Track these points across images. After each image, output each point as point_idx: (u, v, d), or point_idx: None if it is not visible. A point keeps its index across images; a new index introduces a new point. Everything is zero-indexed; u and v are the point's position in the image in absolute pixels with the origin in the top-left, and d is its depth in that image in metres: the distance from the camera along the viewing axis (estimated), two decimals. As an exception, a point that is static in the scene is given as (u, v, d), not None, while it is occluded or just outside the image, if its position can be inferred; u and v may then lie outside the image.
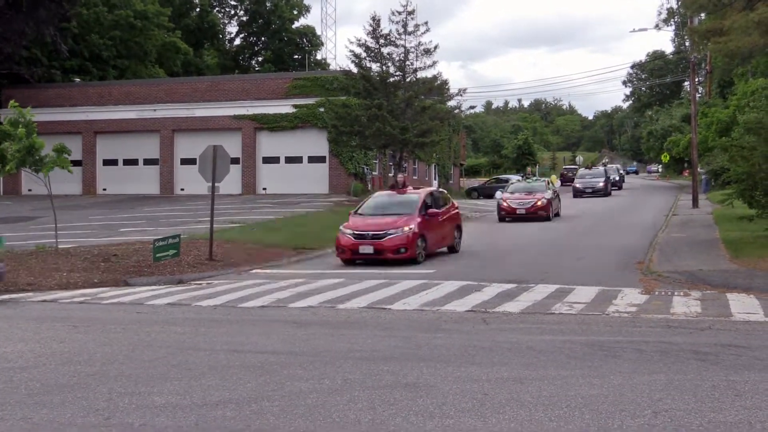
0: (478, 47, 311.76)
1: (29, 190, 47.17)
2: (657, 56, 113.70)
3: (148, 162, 49.75)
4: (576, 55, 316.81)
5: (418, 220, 21.24)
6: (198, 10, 78.66)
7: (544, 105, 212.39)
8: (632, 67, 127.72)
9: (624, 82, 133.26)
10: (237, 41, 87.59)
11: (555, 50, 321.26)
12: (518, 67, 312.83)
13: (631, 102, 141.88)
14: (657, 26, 69.50)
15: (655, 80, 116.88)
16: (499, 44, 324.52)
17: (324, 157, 46.42)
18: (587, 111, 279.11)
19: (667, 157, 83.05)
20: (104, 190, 49.78)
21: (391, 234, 20.57)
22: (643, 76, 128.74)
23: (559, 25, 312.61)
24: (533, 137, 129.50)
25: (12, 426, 6.56)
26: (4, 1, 44.37)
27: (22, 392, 7.68)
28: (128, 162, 50.38)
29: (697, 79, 50.41)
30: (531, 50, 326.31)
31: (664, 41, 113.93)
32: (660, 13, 63.54)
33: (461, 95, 43.31)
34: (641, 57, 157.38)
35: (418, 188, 25.14)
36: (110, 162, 50.57)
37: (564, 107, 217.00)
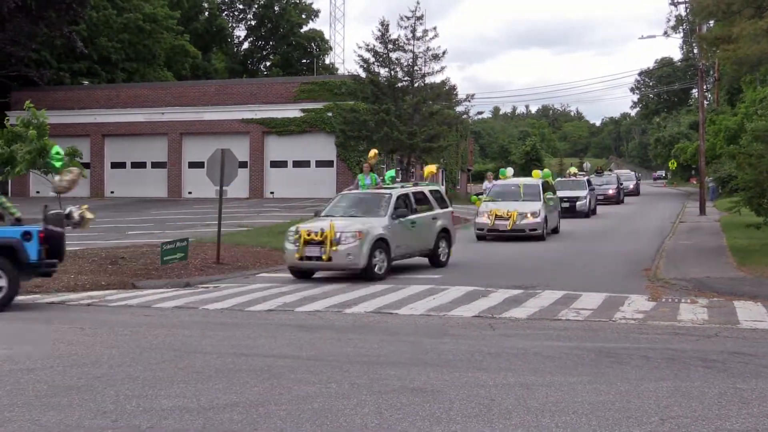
0: (475, 48, 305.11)
1: (37, 192, 47.29)
2: (665, 63, 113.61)
3: (156, 165, 49.85)
4: (579, 58, 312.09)
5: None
6: (207, 14, 78.87)
7: (551, 111, 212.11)
8: (640, 74, 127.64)
9: (632, 89, 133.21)
10: (245, 45, 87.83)
11: (556, 53, 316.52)
12: (518, 69, 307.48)
13: (638, 109, 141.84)
14: (665, 33, 69.41)
15: (663, 87, 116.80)
16: (497, 45, 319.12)
17: (332, 162, 46.46)
18: (595, 117, 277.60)
19: (675, 164, 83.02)
20: (112, 192, 49.88)
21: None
22: (650, 83, 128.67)
23: (560, 26, 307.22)
24: (541, 143, 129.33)
25: (20, 427, 6.59)
26: (14, 4, 44.55)
27: (29, 394, 7.71)
28: (136, 165, 50.49)
29: (705, 87, 50.36)
30: (531, 52, 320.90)
31: (671, 46, 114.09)
32: (669, 20, 63.60)
33: (469, 101, 43.30)
34: (647, 62, 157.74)
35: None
36: (118, 165, 50.69)
37: (572, 113, 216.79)
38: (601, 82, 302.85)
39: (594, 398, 7.42)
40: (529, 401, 7.32)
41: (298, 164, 47.37)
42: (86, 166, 47.47)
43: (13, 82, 50.96)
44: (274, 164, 47.73)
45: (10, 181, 45.85)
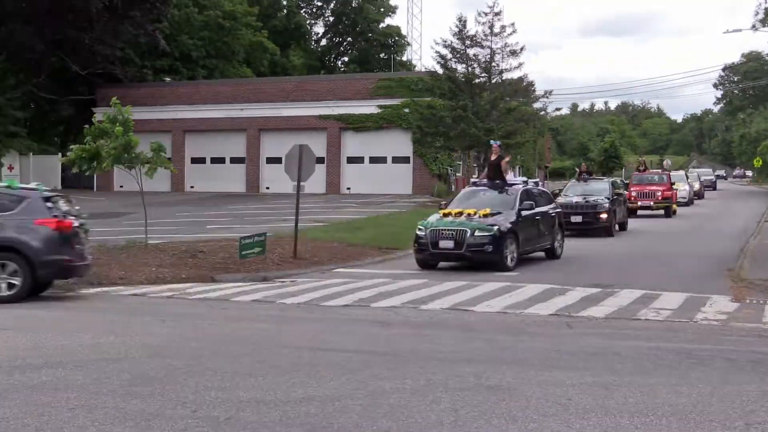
0: (539, 38, 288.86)
1: (121, 186, 48.43)
2: (752, 58, 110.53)
3: (234, 160, 50.60)
4: (652, 49, 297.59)
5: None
6: (285, 11, 79.69)
7: (631, 107, 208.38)
8: (724, 69, 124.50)
9: (715, 85, 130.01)
10: (323, 41, 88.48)
11: (627, 43, 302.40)
12: (586, 60, 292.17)
13: (722, 105, 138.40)
14: (753, 27, 67.24)
15: (748, 82, 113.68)
16: (562, 35, 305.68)
17: (408, 158, 46.49)
18: (675, 113, 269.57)
19: (760, 162, 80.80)
20: (192, 187, 50.79)
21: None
22: (735, 79, 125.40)
23: (629, 14, 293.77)
24: (620, 140, 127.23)
25: (105, 414, 6.76)
26: (102, 4, 45.74)
27: (114, 383, 7.90)
28: (215, 160, 51.32)
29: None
30: (597, 41, 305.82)
31: (759, 39, 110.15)
32: (757, 13, 61.49)
33: (547, 97, 42.91)
34: (731, 54, 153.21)
35: None
36: (198, 160, 51.60)
37: (652, 110, 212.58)
38: (682, 77, 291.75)
39: (674, 400, 7.26)
40: (608, 401, 7.21)
41: (374, 160, 47.53)
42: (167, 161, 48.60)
43: (99, 79, 52.33)
44: (351, 160, 47.99)
45: (95, 176, 46.98)
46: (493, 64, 40.17)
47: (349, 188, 47.50)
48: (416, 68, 77.27)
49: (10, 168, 51.65)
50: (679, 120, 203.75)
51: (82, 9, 45.31)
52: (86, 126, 20.94)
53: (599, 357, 9.29)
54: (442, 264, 20.03)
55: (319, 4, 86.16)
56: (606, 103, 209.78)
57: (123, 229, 27.31)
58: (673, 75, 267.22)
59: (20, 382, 7.91)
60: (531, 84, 41.70)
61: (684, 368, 8.69)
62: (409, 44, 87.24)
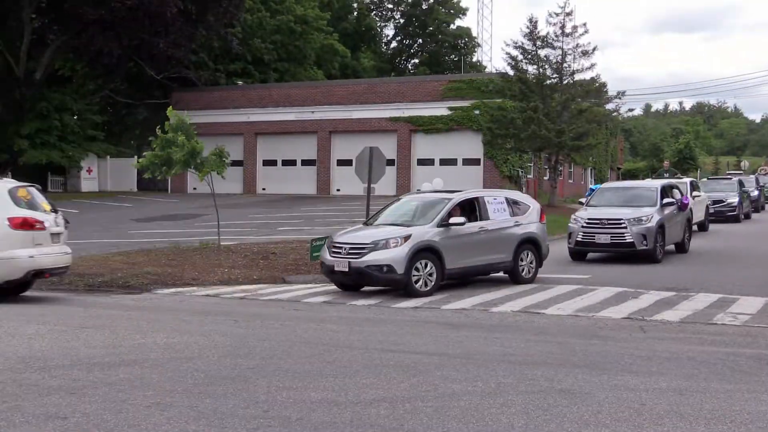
0: (606, 35, 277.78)
1: (194, 188, 49.26)
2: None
3: (305, 162, 51.00)
4: (727, 45, 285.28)
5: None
6: (356, 14, 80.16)
7: (707, 107, 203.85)
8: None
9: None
10: (393, 44, 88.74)
11: (698, 40, 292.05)
12: (656, 58, 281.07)
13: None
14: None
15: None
16: (630, 32, 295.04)
17: (478, 160, 46.28)
18: (754, 112, 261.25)
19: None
20: (263, 189, 51.36)
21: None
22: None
23: (701, 9, 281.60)
24: (695, 141, 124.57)
25: (180, 413, 6.89)
26: (177, 9, 46.60)
27: (188, 382, 8.05)
28: (287, 162, 51.79)
29: None
30: (665, 38, 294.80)
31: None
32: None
33: (620, 98, 42.29)
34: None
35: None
36: (269, 162, 52.15)
37: (728, 109, 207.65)
38: (760, 75, 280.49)
39: (754, 407, 7.09)
40: (682, 407, 7.08)
41: (444, 162, 47.42)
42: (239, 163, 49.29)
43: (173, 83, 53.35)
44: (421, 162, 47.96)
45: (169, 179, 47.92)
46: (565, 65, 39.78)
47: (419, 190, 47.41)
48: (486, 70, 76.92)
49: (89, 171, 53.06)
50: (758, 120, 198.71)
51: (158, 14, 46.21)
52: (151, 138, 21.41)
53: (673, 362, 9.13)
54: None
55: (390, 6, 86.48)
56: (681, 103, 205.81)
57: (196, 230, 27.78)
58: (750, 73, 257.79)
59: (99, 379, 8.12)
60: (603, 85, 41.16)
61: (763, 375, 8.49)
62: (479, 45, 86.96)
